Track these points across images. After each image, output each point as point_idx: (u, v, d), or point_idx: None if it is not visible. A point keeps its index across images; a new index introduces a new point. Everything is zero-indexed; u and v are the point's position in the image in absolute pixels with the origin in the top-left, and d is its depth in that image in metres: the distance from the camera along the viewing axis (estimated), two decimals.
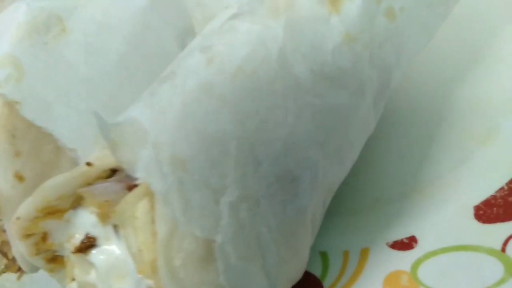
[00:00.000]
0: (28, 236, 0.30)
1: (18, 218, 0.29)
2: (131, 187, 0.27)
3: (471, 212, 0.34)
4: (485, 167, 0.37)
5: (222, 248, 0.25)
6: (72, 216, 0.30)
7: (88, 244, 0.29)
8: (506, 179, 0.34)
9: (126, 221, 0.26)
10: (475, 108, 0.40)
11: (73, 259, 0.31)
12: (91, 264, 0.30)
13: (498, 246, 0.31)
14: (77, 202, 0.29)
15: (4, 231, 0.35)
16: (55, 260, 0.33)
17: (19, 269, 0.38)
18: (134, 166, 0.25)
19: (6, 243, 0.36)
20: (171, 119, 0.25)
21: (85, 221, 0.29)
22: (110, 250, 0.29)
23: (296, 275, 0.30)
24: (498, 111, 0.39)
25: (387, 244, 0.35)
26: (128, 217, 0.26)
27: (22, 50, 0.31)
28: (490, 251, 0.31)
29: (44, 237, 0.31)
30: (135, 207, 0.26)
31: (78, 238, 0.30)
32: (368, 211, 0.38)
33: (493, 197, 0.34)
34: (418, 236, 0.34)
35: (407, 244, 0.34)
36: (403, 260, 0.33)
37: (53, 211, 0.29)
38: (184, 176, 0.25)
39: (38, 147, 0.32)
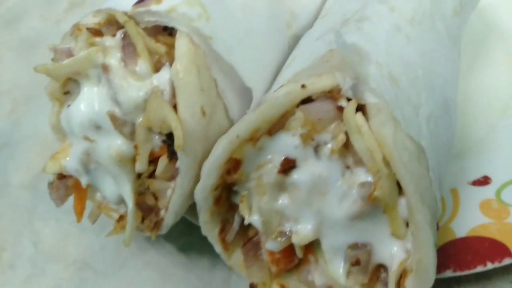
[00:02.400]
0: (228, 162, 0.31)
1: (237, 136, 0.30)
2: (338, 108, 0.31)
3: None
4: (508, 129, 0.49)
5: (427, 151, 0.31)
6: (267, 143, 0.32)
7: (289, 166, 0.31)
8: None
9: (352, 129, 0.29)
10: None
11: (263, 187, 0.32)
12: (284, 189, 0.32)
13: None
14: (277, 127, 0.32)
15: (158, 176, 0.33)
16: (218, 203, 0.34)
17: (154, 228, 0.35)
18: (366, 79, 0.29)
19: (149, 196, 0.34)
20: (381, 47, 0.31)
21: (284, 145, 0.31)
22: (311, 170, 0.31)
23: None
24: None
25: (468, 183, 0.43)
26: (353, 126, 0.29)
27: None
28: None
29: (236, 166, 0.31)
30: (355, 118, 0.30)
31: (277, 160, 0.31)
32: None
33: None
34: (489, 175, 0.44)
35: (483, 181, 0.43)
36: (487, 192, 0.42)
37: (253, 137, 0.31)
38: (398, 92, 0.30)
39: (210, 88, 0.33)
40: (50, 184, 0.39)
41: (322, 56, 0.31)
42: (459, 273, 0.37)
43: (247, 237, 0.36)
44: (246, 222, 0.33)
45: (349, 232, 0.31)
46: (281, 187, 0.32)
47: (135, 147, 0.33)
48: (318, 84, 0.31)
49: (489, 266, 0.37)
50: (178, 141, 0.31)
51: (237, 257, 0.37)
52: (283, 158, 0.31)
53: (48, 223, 0.48)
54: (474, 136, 0.49)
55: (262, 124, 0.30)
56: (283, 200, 0.32)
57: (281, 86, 0.31)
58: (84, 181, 0.37)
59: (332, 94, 0.31)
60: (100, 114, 0.34)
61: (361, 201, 0.29)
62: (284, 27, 0.43)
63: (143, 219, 0.36)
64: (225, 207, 0.35)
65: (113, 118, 0.33)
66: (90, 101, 0.34)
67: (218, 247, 0.36)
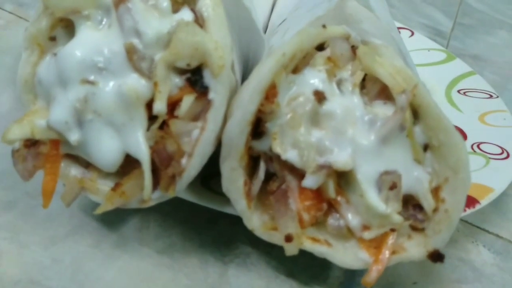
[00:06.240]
0: (268, 88, 0.30)
1: (284, 54, 0.29)
2: (352, 49, 0.34)
3: None
4: None
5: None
6: (295, 78, 0.32)
7: (320, 97, 0.32)
8: None
9: (372, 60, 0.32)
10: None
11: (298, 120, 0.31)
12: (317, 121, 0.32)
13: None
14: (301, 65, 0.32)
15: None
16: (247, 145, 0.31)
17: (171, 183, 0.30)
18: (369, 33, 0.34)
19: (170, 141, 0.29)
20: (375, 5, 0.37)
21: (312, 79, 0.32)
22: (339, 101, 0.32)
23: None
24: None
25: None
26: (372, 60, 0.32)
27: None
28: None
29: (273, 95, 0.30)
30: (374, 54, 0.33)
31: (308, 93, 0.31)
32: None
33: None
34: None
35: None
36: None
37: (287, 66, 0.31)
38: (395, 36, 0.36)
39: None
40: (15, 152, 0.31)
41: (335, 5, 0.34)
42: None
43: (270, 192, 0.33)
44: (283, 158, 0.31)
45: (380, 160, 0.32)
46: (314, 119, 0.32)
47: (155, 84, 0.30)
48: (334, 28, 0.34)
49: (468, 211, 0.41)
50: (220, 61, 0.29)
51: (257, 219, 0.33)
52: (314, 90, 0.32)
53: None
54: None
55: (299, 50, 0.31)
56: (318, 132, 0.32)
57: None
58: (74, 137, 0.30)
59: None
60: (106, 53, 0.30)
61: (399, 113, 0.31)
62: None
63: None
64: (246, 160, 0.32)
65: (131, 50, 0.29)
66: (92, 40, 0.30)
67: (242, 203, 0.32)
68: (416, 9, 1.02)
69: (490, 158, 0.50)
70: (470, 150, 0.52)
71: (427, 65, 0.72)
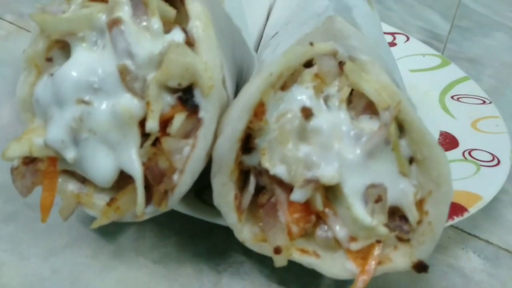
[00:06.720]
0: (256, 106, 0.31)
1: (270, 74, 0.30)
2: (339, 65, 0.35)
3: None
4: None
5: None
6: (283, 96, 0.33)
7: (308, 113, 0.33)
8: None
9: (358, 77, 0.33)
10: None
11: (287, 136, 0.32)
12: (305, 137, 0.33)
13: None
14: (289, 83, 0.33)
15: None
16: (236, 161, 0.33)
17: (163, 198, 0.31)
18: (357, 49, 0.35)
19: (162, 158, 0.30)
20: (362, 21, 0.38)
21: (299, 96, 0.33)
22: (326, 117, 0.33)
23: None
24: None
25: None
26: (358, 77, 0.33)
27: None
28: None
29: (261, 112, 0.32)
30: (360, 72, 0.34)
31: (296, 110, 0.33)
32: None
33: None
34: None
35: None
36: None
37: (275, 85, 0.32)
38: (381, 53, 0.36)
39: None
40: (14, 170, 0.32)
41: (322, 23, 0.35)
42: None
43: (260, 205, 0.34)
44: (271, 173, 0.32)
45: (366, 173, 0.33)
46: (302, 135, 0.33)
47: (147, 104, 0.31)
48: (322, 45, 0.35)
49: (456, 220, 0.42)
50: (209, 82, 0.30)
51: (248, 231, 0.35)
52: (302, 106, 0.33)
53: None
54: None
55: (285, 69, 0.32)
56: (306, 147, 0.33)
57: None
58: (70, 155, 0.31)
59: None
60: (100, 74, 0.31)
61: (383, 128, 0.32)
62: None
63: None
64: (237, 174, 0.34)
65: (124, 71, 0.30)
66: (87, 61, 0.31)
67: (232, 217, 0.33)
68: (414, 12, 1.02)
69: (480, 165, 0.51)
70: (462, 157, 0.53)
71: (422, 71, 0.73)
